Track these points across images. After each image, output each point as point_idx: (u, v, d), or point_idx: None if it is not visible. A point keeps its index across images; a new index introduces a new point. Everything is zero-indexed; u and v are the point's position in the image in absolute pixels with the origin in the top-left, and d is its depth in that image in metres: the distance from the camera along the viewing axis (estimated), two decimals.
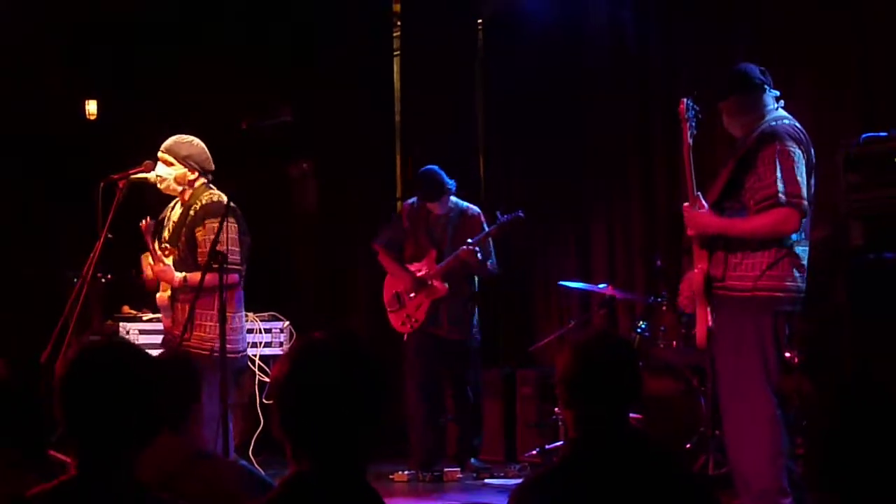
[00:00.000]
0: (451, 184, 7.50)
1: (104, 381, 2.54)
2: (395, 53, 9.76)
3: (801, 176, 4.95)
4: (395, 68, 9.77)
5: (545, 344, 7.81)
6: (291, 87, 9.37)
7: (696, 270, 5.16)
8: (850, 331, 5.68)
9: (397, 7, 9.79)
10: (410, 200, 7.72)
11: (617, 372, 2.95)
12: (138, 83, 9.14)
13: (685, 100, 5.22)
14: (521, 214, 7.41)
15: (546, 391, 7.70)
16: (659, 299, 7.15)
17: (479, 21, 9.48)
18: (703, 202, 5.11)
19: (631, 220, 8.41)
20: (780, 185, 4.91)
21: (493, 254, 7.59)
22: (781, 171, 4.92)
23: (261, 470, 5.00)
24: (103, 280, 7.45)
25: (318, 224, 9.91)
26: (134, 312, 7.29)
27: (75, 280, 5.94)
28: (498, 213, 7.42)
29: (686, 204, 5.18)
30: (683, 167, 5.22)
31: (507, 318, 9.18)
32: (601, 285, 7.50)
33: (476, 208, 7.71)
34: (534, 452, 7.43)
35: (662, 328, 7.16)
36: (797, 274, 5.05)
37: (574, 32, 8.77)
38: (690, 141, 5.19)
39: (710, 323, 5.11)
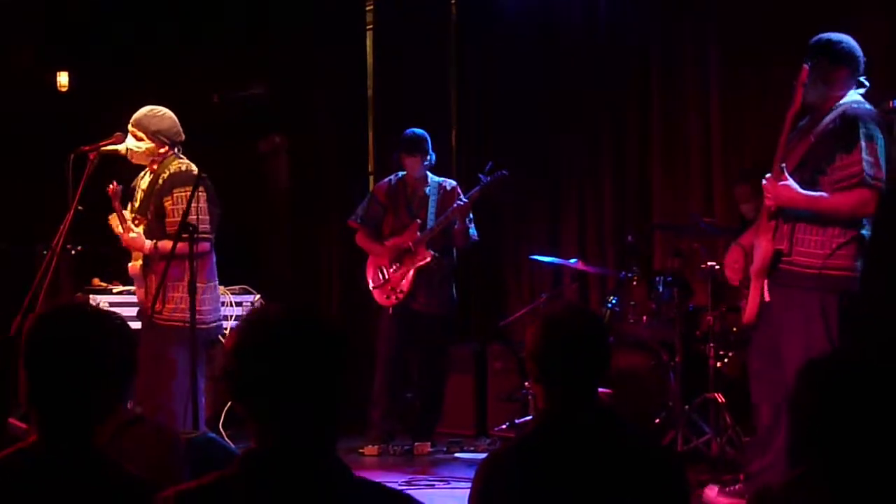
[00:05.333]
0: (432, 154, 7.46)
1: (62, 347, 2.48)
2: (368, 27, 9.71)
3: (883, 160, 4.95)
4: (368, 42, 9.72)
5: (516, 318, 7.83)
6: (264, 61, 9.31)
7: (762, 242, 5.11)
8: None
9: None
10: (387, 179, 7.66)
11: (586, 346, 2.96)
12: (109, 55, 9.06)
13: (808, 65, 5.05)
14: (505, 173, 7.32)
15: (517, 365, 7.72)
16: (630, 274, 7.15)
17: None
18: (787, 174, 5.02)
19: (602, 195, 8.43)
20: (865, 167, 4.89)
21: (472, 221, 7.51)
22: (867, 153, 4.90)
23: (230, 443, 5.02)
24: (73, 252, 7.41)
25: (290, 198, 9.88)
26: (104, 285, 7.24)
27: (45, 252, 5.91)
28: (480, 175, 7.33)
29: (769, 175, 5.09)
30: (779, 135, 5.10)
31: (477, 292, 9.18)
32: (572, 260, 7.51)
33: (453, 181, 7.67)
34: (504, 426, 7.45)
35: (633, 303, 7.14)
36: (861, 256, 5.05)
37: (548, 9, 8.76)
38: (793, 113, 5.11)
39: (767, 298, 5.10)
